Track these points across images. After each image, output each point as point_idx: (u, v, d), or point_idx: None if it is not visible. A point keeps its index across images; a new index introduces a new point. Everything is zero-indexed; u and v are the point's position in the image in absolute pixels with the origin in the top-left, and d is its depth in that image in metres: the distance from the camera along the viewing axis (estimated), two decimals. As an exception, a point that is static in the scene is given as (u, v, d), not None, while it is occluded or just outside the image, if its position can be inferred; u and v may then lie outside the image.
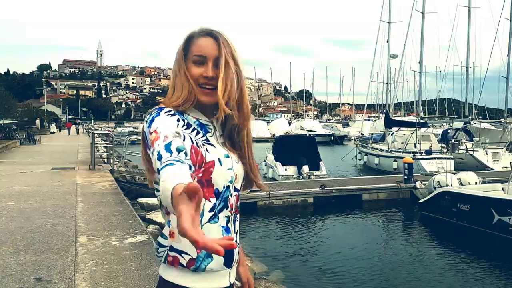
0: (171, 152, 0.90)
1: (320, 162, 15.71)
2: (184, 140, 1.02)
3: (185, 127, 1.11)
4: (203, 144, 1.12)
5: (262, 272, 6.48)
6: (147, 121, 1.08)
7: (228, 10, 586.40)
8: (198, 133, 1.14)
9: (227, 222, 1.16)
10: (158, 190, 1.15)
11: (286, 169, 15.24)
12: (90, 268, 3.72)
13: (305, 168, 14.90)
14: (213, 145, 1.15)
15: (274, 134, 48.10)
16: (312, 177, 14.43)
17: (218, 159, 1.13)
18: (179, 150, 0.91)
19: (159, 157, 0.90)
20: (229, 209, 1.17)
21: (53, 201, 6.79)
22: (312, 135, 20.68)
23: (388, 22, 26.98)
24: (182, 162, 0.88)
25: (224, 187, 1.15)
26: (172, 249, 1.12)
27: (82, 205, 6.52)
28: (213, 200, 1.12)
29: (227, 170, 1.15)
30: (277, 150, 16.33)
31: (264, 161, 18.04)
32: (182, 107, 1.15)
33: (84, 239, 4.62)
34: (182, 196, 0.74)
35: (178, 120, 1.09)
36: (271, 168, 15.98)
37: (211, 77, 1.14)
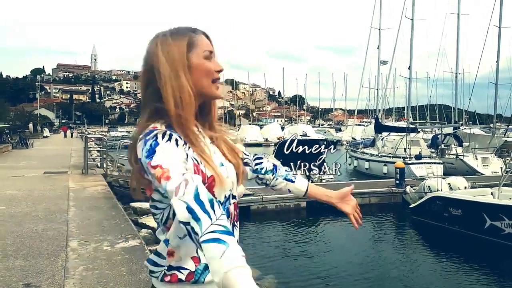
0: (206, 212, 0.87)
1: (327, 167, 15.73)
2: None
3: (184, 144, 1.06)
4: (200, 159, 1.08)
5: (255, 277, 6.40)
6: (144, 149, 1.01)
7: (224, 15, 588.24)
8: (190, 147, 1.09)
9: None
10: (156, 208, 1.11)
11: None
12: (80, 274, 3.69)
13: (315, 173, 14.89)
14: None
15: (267, 139, 48.15)
16: (323, 181, 14.48)
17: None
18: (211, 203, 0.89)
19: (193, 214, 0.86)
20: (230, 217, 1.15)
21: (45, 205, 6.73)
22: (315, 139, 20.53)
23: (379, 29, 27.27)
24: (224, 228, 0.85)
25: (225, 197, 1.13)
26: (170, 268, 1.08)
27: (74, 209, 6.47)
28: None
29: (226, 179, 1.12)
30: (283, 154, 16.18)
31: None
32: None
33: (75, 244, 4.59)
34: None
35: (177, 144, 1.03)
36: None
37: (220, 70, 1.16)
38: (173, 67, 1.08)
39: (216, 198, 1.05)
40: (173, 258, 1.08)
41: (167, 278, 1.07)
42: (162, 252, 1.10)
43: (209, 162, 1.08)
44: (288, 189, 1.39)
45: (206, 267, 1.07)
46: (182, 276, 1.06)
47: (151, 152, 1.00)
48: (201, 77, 1.11)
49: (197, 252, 1.08)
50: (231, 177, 1.16)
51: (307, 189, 1.37)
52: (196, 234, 0.85)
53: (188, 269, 1.07)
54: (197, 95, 1.12)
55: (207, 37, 1.17)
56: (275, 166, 1.40)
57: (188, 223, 0.87)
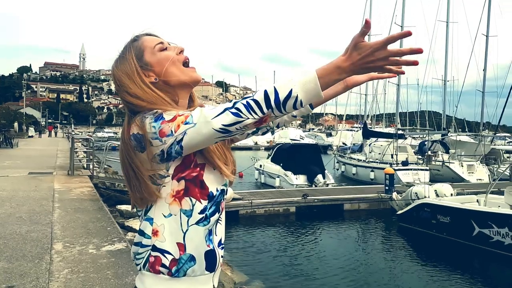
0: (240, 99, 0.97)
1: (325, 171, 15.75)
2: None
3: None
4: None
5: (242, 282, 6.43)
6: (149, 118, 1.03)
7: (215, 17, 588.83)
8: None
9: (213, 224, 1.14)
10: (138, 210, 1.12)
11: (297, 178, 15.09)
12: (65, 277, 3.61)
13: (320, 177, 14.86)
14: None
15: (256, 142, 48.18)
16: (330, 185, 14.51)
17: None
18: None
19: (237, 105, 0.95)
20: (219, 212, 1.15)
21: (29, 206, 6.60)
22: (313, 144, 20.60)
23: (368, 35, 27.48)
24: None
25: (218, 190, 1.12)
26: (154, 248, 1.08)
27: (59, 211, 6.35)
28: (204, 203, 1.09)
29: (221, 173, 1.13)
30: (283, 159, 16.05)
31: (258, 169, 17.84)
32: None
33: (60, 246, 4.50)
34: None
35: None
36: (277, 177, 15.70)
37: (181, 51, 1.16)
38: (131, 79, 1.11)
39: (208, 187, 1.09)
40: (157, 237, 1.08)
41: (152, 260, 1.07)
42: (147, 232, 1.09)
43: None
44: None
45: (192, 258, 1.08)
46: (166, 261, 1.06)
47: (159, 117, 1.03)
48: (167, 68, 1.12)
49: (183, 239, 1.08)
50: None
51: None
52: (258, 106, 0.93)
53: (172, 255, 1.07)
54: (179, 86, 1.14)
55: (151, 34, 1.18)
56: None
57: (240, 120, 0.94)
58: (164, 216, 1.08)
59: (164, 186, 1.08)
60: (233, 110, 0.95)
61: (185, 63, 1.15)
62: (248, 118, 0.94)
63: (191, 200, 1.08)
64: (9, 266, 3.83)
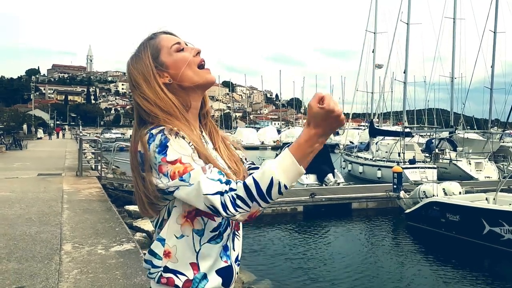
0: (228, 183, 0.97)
1: (335, 170, 15.72)
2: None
3: (189, 143, 1.02)
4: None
5: (250, 282, 6.43)
6: (153, 144, 0.99)
7: (222, 17, 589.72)
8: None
9: (227, 240, 1.12)
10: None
11: (307, 178, 15.13)
12: (74, 277, 3.64)
13: (330, 177, 14.85)
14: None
15: (263, 142, 48.18)
16: (341, 184, 14.49)
17: None
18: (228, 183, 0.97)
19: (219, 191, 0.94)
20: (231, 226, 1.13)
21: (38, 207, 6.66)
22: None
23: (374, 32, 27.24)
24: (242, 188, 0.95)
25: None
26: (166, 269, 1.06)
27: (68, 212, 6.40)
28: (218, 220, 1.08)
29: None
30: None
31: None
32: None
33: (69, 247, 4.53)
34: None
35: (189, 143, 1.02)
36: None
37: (198, 52, 1.14)
38: (147, 82, 1.08)
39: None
40: (170, 259, 1.06)
41: (164, 281, 1.05)
42: (158, 252, 1.07)
43: (217, 167, 1.04)
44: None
45: (205, 276, 1.06)
46: (179, 282, 1.04)
47: (163, 147, 0.98)
48: (182, 69, 1.09)
49: (196, 259, 1.06)
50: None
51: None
52: (243, 201, 0.93)
53: (186, 276, 1.05)
54: (192, 89, 1.11)
55: (168, 33, 1.15)
56: None
57: (226, 216, 0.96)
58: (176, 237, 1.06)
59: (176, 206, 1.06)
60: (222, 200, 0.94)
61: (201, 66, 1.13)
62: (235, 215, 0.94)
63: (203, 219, 1.06)
64: (19, 266, 3.87)
